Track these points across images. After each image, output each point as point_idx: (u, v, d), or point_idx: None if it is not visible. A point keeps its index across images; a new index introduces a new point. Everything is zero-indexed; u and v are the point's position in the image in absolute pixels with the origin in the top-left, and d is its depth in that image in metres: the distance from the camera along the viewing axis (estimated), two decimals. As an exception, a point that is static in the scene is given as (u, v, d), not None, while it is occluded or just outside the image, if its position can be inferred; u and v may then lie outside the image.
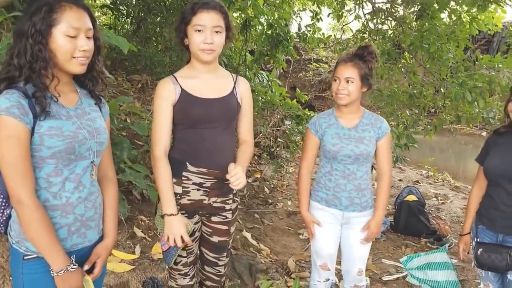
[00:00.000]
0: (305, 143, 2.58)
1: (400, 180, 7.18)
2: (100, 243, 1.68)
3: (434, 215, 5.31)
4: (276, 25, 6.58)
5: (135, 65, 6.62)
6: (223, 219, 2.19)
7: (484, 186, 2.44)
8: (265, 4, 6.88)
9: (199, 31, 1.93)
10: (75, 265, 1.52)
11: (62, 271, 1.48)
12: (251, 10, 6.55)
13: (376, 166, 2.55)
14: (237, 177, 1.90)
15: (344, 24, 7.74)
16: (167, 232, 1.99)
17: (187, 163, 2.04)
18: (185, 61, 2.17)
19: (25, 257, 1.51)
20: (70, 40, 1.44)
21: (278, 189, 5.87)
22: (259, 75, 7.35)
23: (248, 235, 3.96)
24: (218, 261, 2.28)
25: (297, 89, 8.32)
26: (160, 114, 1.99)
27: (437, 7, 4.80)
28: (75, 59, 1.46)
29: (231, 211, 2.20)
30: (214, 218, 2.17)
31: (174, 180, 2.04)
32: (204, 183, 2.06)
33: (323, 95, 16.50)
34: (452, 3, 4.70)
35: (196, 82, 2.03)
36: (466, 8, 4.71)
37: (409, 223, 4.71)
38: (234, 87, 2.12)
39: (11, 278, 1.62)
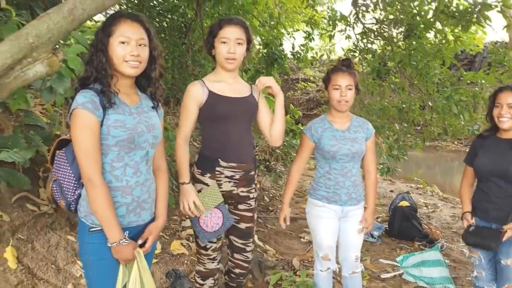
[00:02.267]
0: (301, 146, 2.84)
1: (391, 191, 7.52)
2: (152, 223, 1.97)
3: (426, 222, 5.63)
4: (271, 45, 6.96)
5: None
6: (248, 206, 2.52)
7: (471, 183, 2.80)
8: (261, 25, 7.26)
9: (224, 42, 2.32)
10: (128, 240, 1.81)
11: (116, 243, 1.77)
12: (248, 30, 6.92)
13: (363, 164, 2.85)
14: (263, 78, 2.42)
15: (332, 44, 8.17)
16: (182, 198, 2.34)
17: (219, 159, 2.37)
18: (212, 68, 2.59)
19: (91, 229, 1.80)
20: (123, 46, 1.76)
21: (277, 198, 6.16)
22: (253, 92, 7.68)
23: (254, 237, 4.24)
24: (246, 247, 2.58)
25: (291, 105, 8.67)
26: (187, 110, 2.37)
27: (423, 27, 5.21)
28: (126, 62, 1.77)
29: (254, 199, 2.54)
30: (241, 206, 2.50)
31: (209, 175, 2.38)
32: (234, 176, 2.40)
33: (311, 113, 16.89)
34: (438, 24, 5.12)
35: (221, 85, 2.40)
36: (450, 28, 5.13)
37: (403, 228, 5.01)
38: (252, 91, 2.50)
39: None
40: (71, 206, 1.86)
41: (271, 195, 6.21)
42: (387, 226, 5.22)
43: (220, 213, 2.36)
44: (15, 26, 2.63)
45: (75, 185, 1.83)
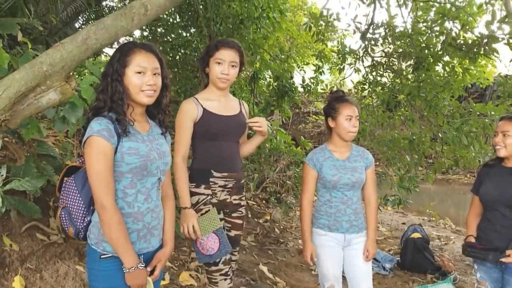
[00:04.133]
0: (304, 177, 2.83)
1: (404, 223, 7.43)
2: (160, 250, 1.97)
3: (438, 254, 5.53)
4: (282, 78, 7.06)
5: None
6: (240, 214, 2.64)
7: (479, 212, 2.77)
8: (272, 59, 7.39)
9: (219, 63, 2.44)
10: (143, 264, 1.82)
11: (133, 268, 1.77)
12: (259, 64, 7.06)
13: (364, 193, 2.86)
14: (257, 119, 2.51)
15: (343, 78, 8.26)
16: (182, 222, 2.39)
17: (212, 170, 2.48)
18: (203, 85, 2.68)
19: (102, 256, 1.80)
20: (139, 76, 1.81)
21: (287, 230, 6.11)
22: (265, 124, 7.75)
23: (264, 269, 4.20)
24: (232, 255, 2.61)
25: (301, 137, 8.71)
26: (183, 128, 2.44)
27: (432, 60, 5.26)
28: (143, 92, 1.82)
29: (244, 207, 2.66)
30: (233, 214, 2.61)
31: (204, 186, 2.47)
32: (228, 185, 2.52)
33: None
34: (446, 56, 5.17)
35: (214, 103, 2.51)
36: (458, 60, 5.17)
37: (415, 260, 4.93)
38: (241, 107, 2.64)
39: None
40: (80, 233, 1.87)
41: (281, 227, 6.17)
42: (399, 258, 5.13)
43: (217, 239, 2.40)
44: (30, 58, 2.73)
45: (85, 212, 1.84)
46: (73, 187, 1.86)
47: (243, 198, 2.64)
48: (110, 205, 1.72)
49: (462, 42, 4.79)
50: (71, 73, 1.81)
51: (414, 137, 5.89)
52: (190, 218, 2.37)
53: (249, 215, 5.92)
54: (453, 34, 4.81)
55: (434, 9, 5.53)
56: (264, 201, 6.91)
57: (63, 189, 1.91)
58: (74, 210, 1.84)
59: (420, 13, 6.00)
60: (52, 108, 2.84)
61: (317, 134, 17.45)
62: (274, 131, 7.62)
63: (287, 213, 6.42)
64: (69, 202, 1.86)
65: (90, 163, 1.72)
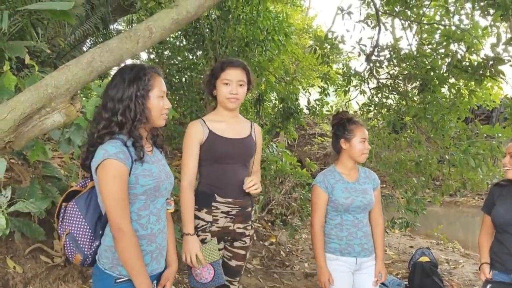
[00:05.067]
0: (315, 200, 2.76)
1: (411, 246, 7.32)
2: (168, 270, 1.98)
3: (447, 278, 5.44)
4: (287, 100, 7.08)
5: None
6: (243, 244, 2.52)
7: (490, 232, 2.72)
8: (277, 81, 7.43)
9: (226, 84, 2.39)
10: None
11: None
12: (264, 86, 7.09)
13: (371, 215, 2.82)
14: (254, 182, 2.36)
15: (348, 100, 8.26)
16: (184, 250, 2.32)
17: (215, 195, 2.40)
18: (211, 108, 2.61)
19: (118, 280, 1.78)
20: (160, 100, 1.83)
21: (293, 253, 6.04)
22: (270, 146, 7.76)
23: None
24: (231, 284, 2.54)
25: (307, 159, 8.69)
26: (190, 151, 2.38)
27: (437, 82, 5.26)
28: (162, 115, 1.86)
29: (249, 237, 2.54)
30: (235, 243, 2.50)
31: (205, 210, 2.40)
32: (231, 211, 2.42)
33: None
34: (451, 78, 5.17)
35: (221, 124, 2.45)
36: (464, 82, 5.17)
37: (423, 284, 4.83)
38: (251, 130, 2.55)
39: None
40: (87, 259, 1.84)
41: (287, 250, 6.09)
42: (407, 282, 5.05)
43: (212, 270, 2.35)
44: (36, 80, 2.74)
45: (92, 237, 1.82)
46: (76, 212, 1.84)
47: (249, 228, 2.53)
48: (128, 228, 1.71)
49: (467, 64, 4.79)
50: (76, 95, 1.81)
51: (420, 159, 5.86)
52: (193, 247, 2.30)
53: (255, 238, 5.87)
54: (459, 56, 4.82)
55: (439, 31, 5.58)
56: (269, 224, 6.86)
57: (66, 215, 1.87)
58: (80, 236, 1.82)
59: (425, 35, 6.06)
60: (58, 129, 2.86)
61: (323, 155, 17.36)
62: (280, 153, 7.62)
63: (293, 235, 6.35)
64: (73, 228, 1.83)
65: (106, 187, 1.71)
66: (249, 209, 2.51)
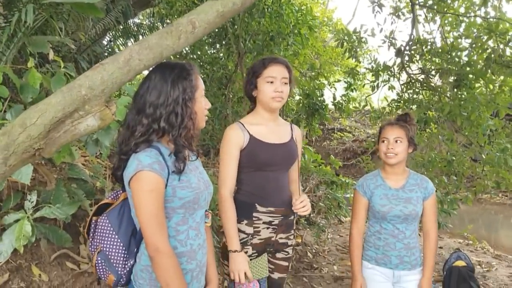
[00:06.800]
0: (354, 205, 2.63)
1: (440, 247, 7.07)
2: (208, 287, 1.81)
3: (482, 282, 5.20)
4: (312, 95, 6.87)
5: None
6: (286, 255, 2.33)
7: None
8: (302, 75, 7.22)
9: (270, 82, 2.17)
10: None
11: None
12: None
13: (422, 226, 2.60)
14: (304, 203, 2.13)
15: (369, 95, 8.04)
16: (232, 268, 2.11)
17: (256, 204, 2.20)
18: (247, 111, 2.39)
19: None
20: (203, 100, 1.66)
21: (320, 254, 5.84)
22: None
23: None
24: None
25: (331, 156, 8.46)
26: (229, 157, 2.17)
27: (474, 77, 5.01)
28: (205, 116, 1.68)
29: (292, 247, 2.35)
30: (278, 255, 2.32)
31: (246, 221, 2.19)
32: (273, 221, 2.23)
33: (348, 163, 16.58)
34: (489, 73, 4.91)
35: (262, 128, 2.23)
36: (503, 78, 4.91)
37: (459, 290, 4.61)
38: (292, 133, 2.33)
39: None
40: (122, 280, 1.66)
41: (314, 251, 5.89)
42: (441, 286, 4.82)
43: (258, 286, 2.18)
44: (62, 78, 2.59)
45: (126, 256, 1.64)
46: (108, 228, 1.66)
47: (292, 237, 2.35)
48: (166, 247, 1.53)
49: (509, 59, 4.53)
50: (111, 97, 1.64)
51: (453, 158, 5.63)
52: (242, 264, 2.10)
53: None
54: (499, 51, 4.56)
55: (463, 24, 5.34)
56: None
57: (97, 230, 1.70)
58: (113, 254, 1.64)
59: (448, 28, 5.80)
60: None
61: (342, 151, 17.11)
62: (302, 149, 7.43)
63: (319, 235, 6.16)
64: (105, 246, 1.65)
65: (141, 201, 1.52)
66: (292, 217, 2.31)
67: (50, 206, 2.49)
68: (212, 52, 7.81)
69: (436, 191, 5.77)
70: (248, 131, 2.20)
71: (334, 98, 7.30)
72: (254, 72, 2.23)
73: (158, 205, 1.53)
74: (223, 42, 7.20)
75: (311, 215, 7.08)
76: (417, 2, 5.37)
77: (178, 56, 7.79)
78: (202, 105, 1.66)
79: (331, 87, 7.62)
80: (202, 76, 7.17)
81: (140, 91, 1.64)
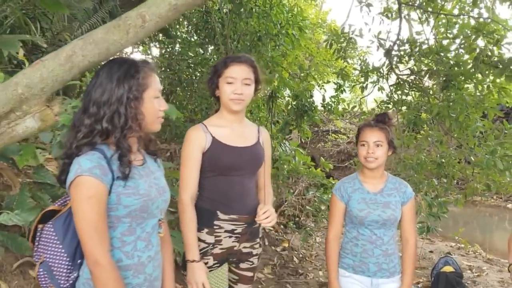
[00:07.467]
0: (331, 209, 2.53)
1: (431, 251, 6.97)
2: None
3: (471, 288, 5.10)
4: (301, 97, 6.76)
5: (161, 135, 6.76)
6: (250, 265, 2.22)
7: None
8: (291, 77, 7.11)
9: (230, 83, 2.04)
10: None
11: None
12: (277, 82, 6.78)
13: (401, 232, 2.49)
14: (268, 214, 1.99)
15: (363, 96, 7.94)
16: (190, 280, 1.99)
17: (218, 212, 2.07)
18: (214, 110, 2.26)
19: None
20: (157, 101, 1.52)
21: (307, 259, 5.72)
22: (282, 145, 7.46)
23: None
24: None
25: (321, 158, 8.36)
26: (190, 160, 2.04)
27: (462, 78, 4.90)
28: (158, 118, 1.54)
29: (257, 256, 2.24)
30: (242, 265, 2.20)
31: (206, 230, 2.06)
32: (236, 229, 2.10)
33: (342, 165, 16.49)
34: (478, 74, 4.80)
35: (226, 130, 2.10)
36: (492, 78, 4.80)
37: (447, 296, 4.52)
38: (259, 136, 2.21)
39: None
40: None
41: (300, 255, 5.77)
42: (429, 293, 4.73)
43: None
44: (1, 74, 2.47)
45: (69, 267, 1.50)
46: (52, 237, 1.52)
47: (257, 246, 2.23)
48: (106, 260, 1.40)
49: (496, 59, 4.42)
50: (55, 96, 1.52)
51: (442, 160, 5.52)
52: (200, 275, 1.97)
53: (266, 243, 5.57)
54: (487, 52, 4.45)
55: (457, 25, 5.23)
56: (282, 226, 6.55)
57: (41, 239, 1.55)
58: (56, 265, 1.50)
59: (442, 29, 5.69)
60: (49, 132, 2.59)
61: (337, 153, 17.00)
62: (293, 152, 7.31)
63: (306, 240, 6.05)
64: (48, 256, 1.52)
65: (79, 209, 1.39)
66: (257, 225, 2.17)
67: (9, 212, 2.37)
68: (202, 53, 7.70)
69: (426, 194, 5.70)
70: (210, 133, 2.08)
71: (324, 100, 7.20)
72: (215, 71, 2.10)
73: (99, 213, 1.40)
74: (214, 42, 7.10)
75: (301, 219, 6.99)
76: (403, 1, 5.25)
77: (167, 56, 7.69)
78: (153, 106, 1.52)
79: (320, 89, 7.52)
80: (191, 78, 7.13)
81: (88, 88, 1.51)
